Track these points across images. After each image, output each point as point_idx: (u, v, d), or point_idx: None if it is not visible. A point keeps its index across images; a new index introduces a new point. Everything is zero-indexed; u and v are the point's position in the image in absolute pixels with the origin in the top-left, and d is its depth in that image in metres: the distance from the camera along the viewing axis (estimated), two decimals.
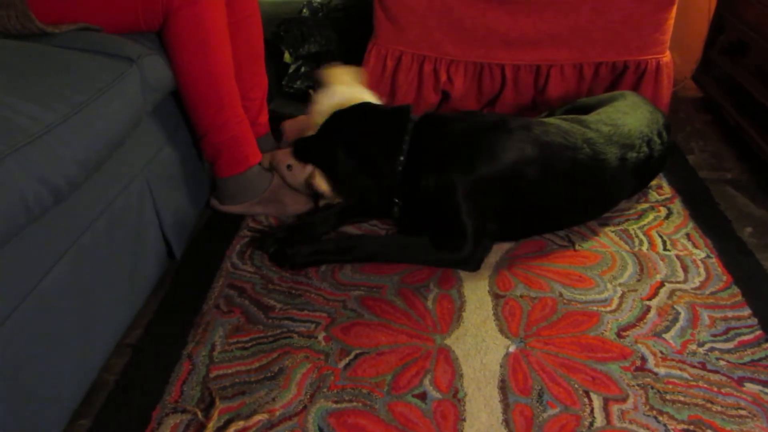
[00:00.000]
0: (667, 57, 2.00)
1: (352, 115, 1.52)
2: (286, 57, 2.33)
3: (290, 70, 2.33)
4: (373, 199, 1.56)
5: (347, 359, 1.20)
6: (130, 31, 1.33)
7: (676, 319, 1.31)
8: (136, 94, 1.19)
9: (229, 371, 1.17)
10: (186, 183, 1.50)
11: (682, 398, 1.13)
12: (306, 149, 1.56)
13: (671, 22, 1.96)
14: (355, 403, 1.11)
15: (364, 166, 1.48)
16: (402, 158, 1.46)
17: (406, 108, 1.51)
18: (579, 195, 1.54)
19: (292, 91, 2.30)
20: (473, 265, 1.43)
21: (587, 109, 1.68)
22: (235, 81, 1.44)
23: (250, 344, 1.23)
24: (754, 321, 1.30)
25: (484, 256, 1.45)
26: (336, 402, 1.11)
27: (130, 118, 1.17)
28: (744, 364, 1.20)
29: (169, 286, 1.39)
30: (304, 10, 2.49)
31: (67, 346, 1.02)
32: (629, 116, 1.60)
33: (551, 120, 1.56)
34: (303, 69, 2.33)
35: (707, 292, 1.38)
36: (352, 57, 2.18)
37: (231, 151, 1.48)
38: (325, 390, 1.13)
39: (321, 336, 1.25)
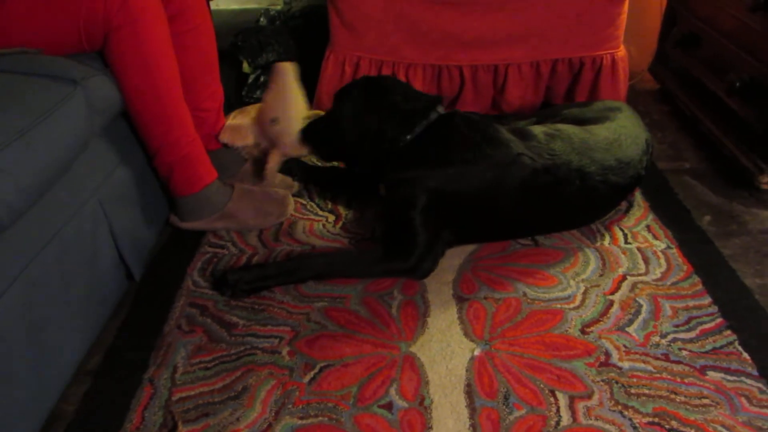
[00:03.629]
0: (621, 52, 2.03)
1: (388, 82, 1.59)
2: (245, 67, 2.31)
3: (249, 80, 2.31)
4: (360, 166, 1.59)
5: (312, 373, 1.19)
6: (74, 52, 1.30)
7: (638, 312, 1.32)
8: (82, 117, 1.17)
9: (192, 393, 1.15)
10: (143, 203, 1.47)
11: (646, 391, 1.14)
12: (318, 127, 1.62)
13: (624, 17, 1.98)
14: (321, 418, 1.10)
15: (373, 124, 1.50)
16: (408, 138, 1.48)
17: (437, 99, 1.55)
18: (557, 218, 1.55)
19: (252, 101, 2.27)
20: (420, 273, 1.41)
21: (581, 121, 1.62)
22: (183, 99, 1.42)
23: (212, 364, 1.21)
24: (715, 309, 1.32)
25: (433, 266, 1.43)
26: (301, 418, 1.10)
27: (76, 141, 1.15)
28: (706, 352, 1.22)
29: (129, 308, 1.36)
30: (261, 19, 2.48)
31: (20, 378, 0.99)
32: (632, 147, 1.55)
33: (549, 139, 1.49)
34: (262, 79, 2.30)
35: (668, 283, 1.40)
36: (311, 64, 2.17)
37: (184, 170, 1.46)
38: (290, 406, 1.12)
39: (285, 351, 1.24)
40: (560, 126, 1.57)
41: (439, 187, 1.41)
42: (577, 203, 1.50)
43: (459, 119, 1.50)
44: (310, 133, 1.65)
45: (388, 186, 1.50)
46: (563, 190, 1.46)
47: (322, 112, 1.74)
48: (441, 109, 1.53)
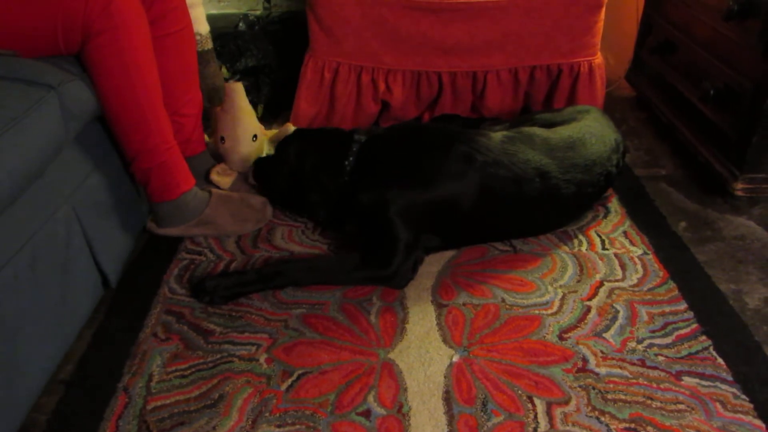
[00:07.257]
0: (598, 59, 2.05)
1: (303, 138, 1.66)
2: (224, 72, 2.29)
3: None
4: (320, 213, 1.61)
5: (290, 381, 1.18)
6: (50, 54, 1.28)
7: (615, 318, 1.33)
8: (56, 123, 1.14)
9: (168, 402, 1.14)
10: (119, 208, 1.45)
11: (623, 397, 1.15)
12: (263, 168, 1.70)
13: (600, 24, 2.00)
14: (298, 426, 1.09)
15: (310, 182, 1.57)
16: (346, 177, 1.53)
17: (352, 131, 1.61)
18: (523, 220, 1.56)
19: None
20: (399, 281, 1.41)
21: (551, 125, 1.63)
22: (163, 105, 1.40)
23: (189, 372, 1.20)
24: (690, 315, 1.33)
25: (413, 274, 1.43)
26: (279, 426, 1.09)
27: (49, 147, 1.12)
28: (681, 358, 1.23)
29: (104, 316, 1.34)
30: (240, 24, 2.46)
31: None
32: (597, 145, 1.57)
33: (506, 140, 1.51)
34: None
35: (645, 289, 1.41)
36: (290, 70, 2.16)
37: (161, 178, 1.44)
38: (267, 414, 1.11)
39: (262, 358, 1.23)
40: (523, 128, 1.59)
41: (403, 194, 1.44)
42: (542, 202, 1.50)
43: (379, 138, 1.58)
44: (259, 172, 1.71)
45: (358, 209, 1.50)
46: (525, 189, 1.47)
47: (271, 132, 1.82)
48: (360, 138, 1.58)
